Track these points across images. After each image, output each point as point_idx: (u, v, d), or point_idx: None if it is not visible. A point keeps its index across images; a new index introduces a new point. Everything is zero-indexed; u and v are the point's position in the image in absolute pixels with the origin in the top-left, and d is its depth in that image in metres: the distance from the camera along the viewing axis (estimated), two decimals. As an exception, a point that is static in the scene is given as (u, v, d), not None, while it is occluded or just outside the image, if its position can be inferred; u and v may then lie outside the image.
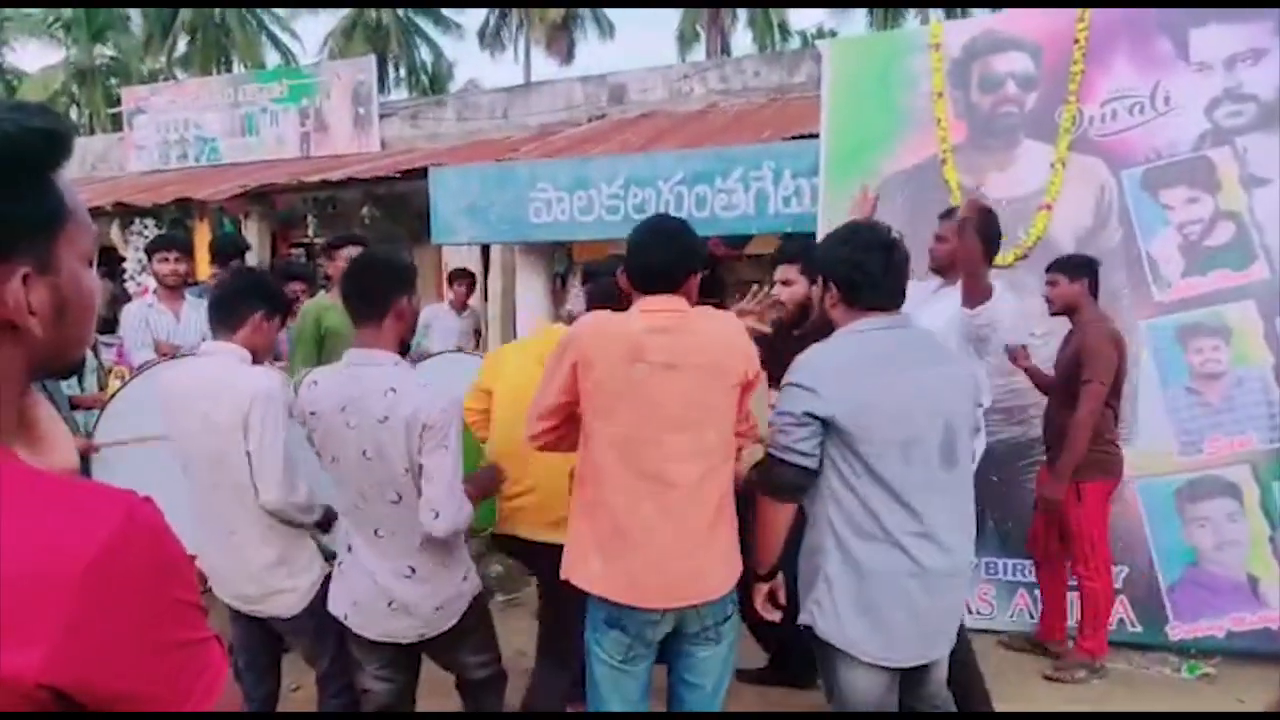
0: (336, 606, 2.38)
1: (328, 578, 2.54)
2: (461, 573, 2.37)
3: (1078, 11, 4.05)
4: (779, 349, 3.37)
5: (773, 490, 2.16)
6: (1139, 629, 3.85)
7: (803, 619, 2.18)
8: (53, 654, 0.65)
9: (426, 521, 2.19)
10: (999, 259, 4.07)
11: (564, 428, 2.18)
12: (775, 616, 2.29)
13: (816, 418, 2.06)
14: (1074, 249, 3.99)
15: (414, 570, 2.27)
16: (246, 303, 2.50)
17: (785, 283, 3.47)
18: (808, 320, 3.28)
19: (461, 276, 6.42)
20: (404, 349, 2.33)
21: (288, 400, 2.43)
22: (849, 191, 4.38)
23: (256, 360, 2.51)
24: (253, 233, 9.18)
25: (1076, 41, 4.00)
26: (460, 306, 6.38)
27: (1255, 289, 3.75)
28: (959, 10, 20.87)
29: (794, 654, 3.72)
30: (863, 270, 2.16)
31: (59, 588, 0.65)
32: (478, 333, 6.63)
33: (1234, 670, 3.65)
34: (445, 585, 2.32)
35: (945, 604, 2.14)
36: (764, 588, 2.27)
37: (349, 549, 2.35)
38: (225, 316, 2.50)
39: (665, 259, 2.15)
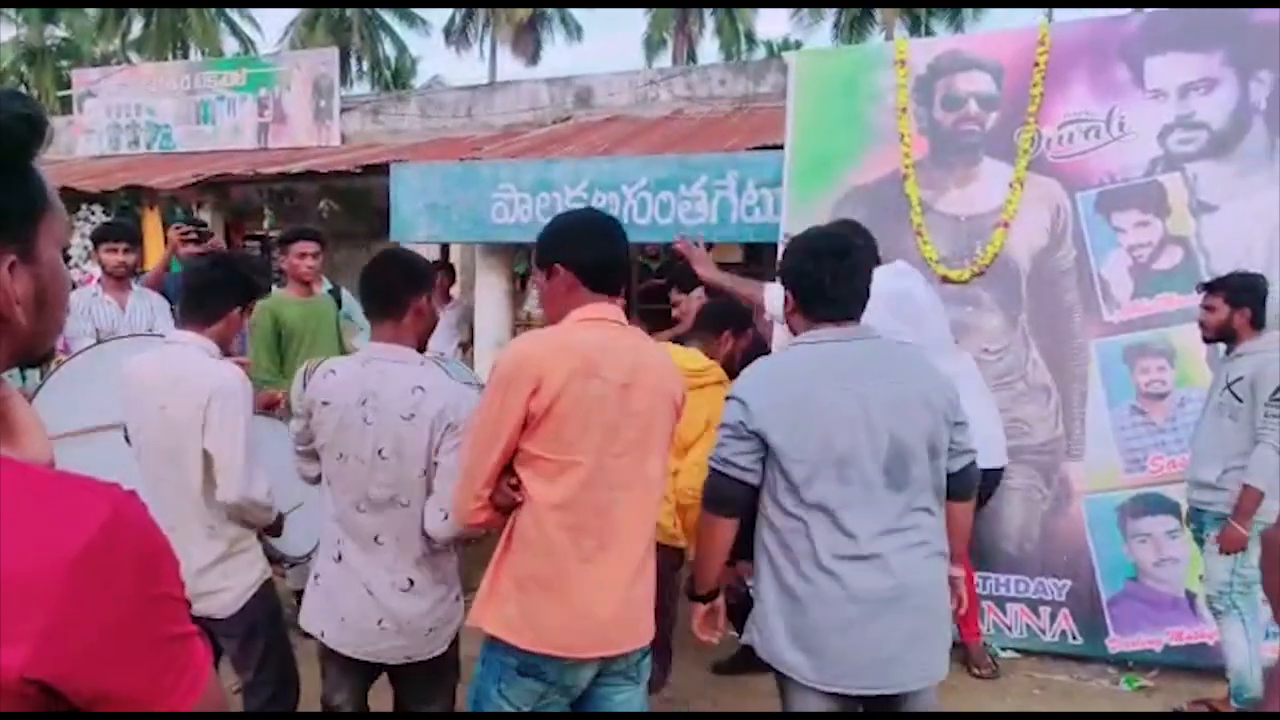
0: (313, 623, 2.26)
1: (267, 583, 2.47)
2: (455, 591, 2.30)
3: (1039, 34, 4.14)
4: None
5: (712, 504, 2.06)
6: (1080, 641, 3.93)
7: (745, 638, 2.11)
8: (38, 649, 0.64)
9: (434, 521, 2.12)
10: (956, 275, 4.16)
11: (502, 486, 1.87)
12: (714, 638, 2.19)
13: (750, 430, 1.97)
14: (1030, 267, 4.08)
15: (413, 583, 2.18)
16: (223, 296, 2.43)
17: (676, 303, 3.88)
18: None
19: (439, 269, 6.30)
20: (421, 347, 2.31)
21: (249, 395, 2.38)
22: (813, 203, 4.42)
23: (223, 350, 2.46)
24: (206, 222, 8.97)
25: (1036, 65, 4.08)
26: (444, 299, 6.26)
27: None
28: (924, 28, 21.26)
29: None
30: (811, 278, 2.07)
31: (44, 582, 0.64)
32: (472, 326, 6.52)
33: (1171, 683, 3.74)
34: (441, 603, 2.24)
35: (900, 631, 1.97)
36: (702, 608, 2.16)
37: (337, 558, 2.22)
38: (199, 308, 2.42)
39: (620, 256, 1.99)
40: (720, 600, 2.18)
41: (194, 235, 4.86)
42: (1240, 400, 3.30)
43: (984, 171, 4.20)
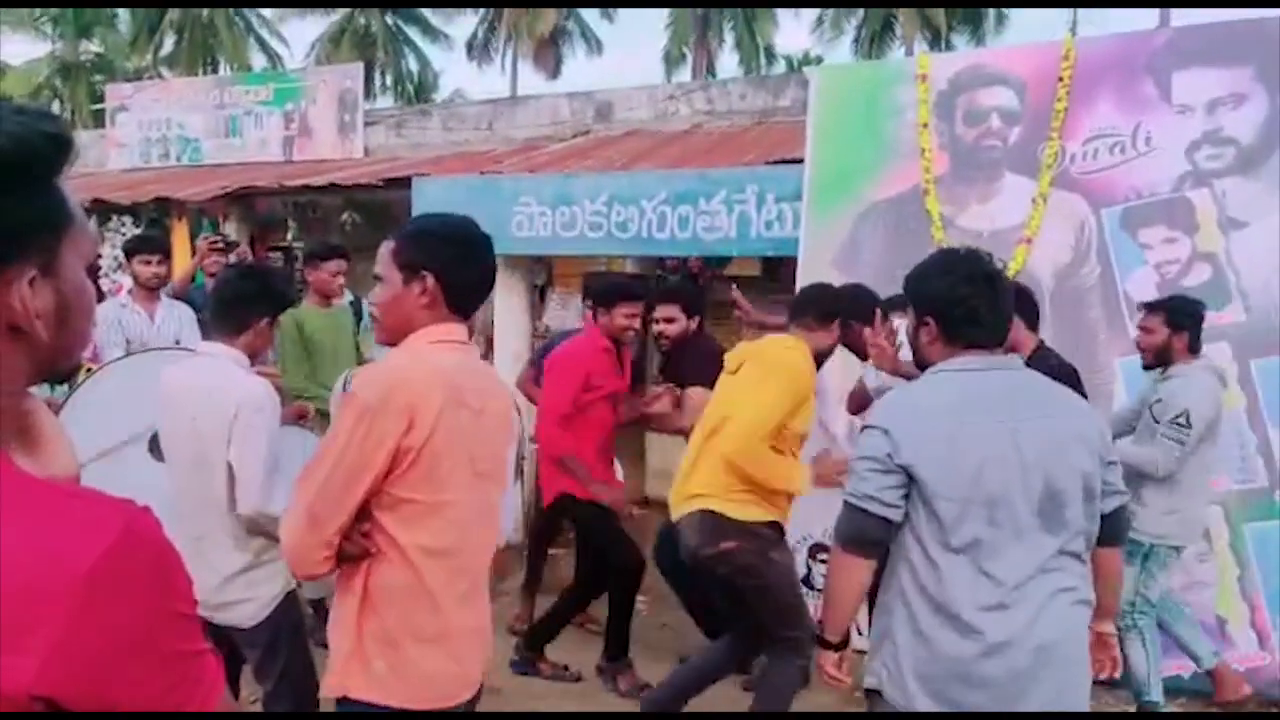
0: None
1: (290, 595, 2.49)
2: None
3: (1063, 49, 4.10)
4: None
5: (851, 543, 1.91)
6: (1107, 666, 3.85)
7: (868, 681, 1.97)
8: (47, 664, 0.64)
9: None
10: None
11: (353, 534, 1.65)
12: (845, 684, 2.05)
13: (898, 464, 1.84)
14: (1053, 284, 4.03)
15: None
16: (252, 307, 2.44)
17: (667, 320, 3.92)
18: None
19: None
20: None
21: (277, 408, 2.40)
22: (832, 217, 4.39)
23: (254, 361, 2.48)
24: (231, 234, 9.07)
25: (1061, 79, 4.04)
26: None
27: (1230, 331, 3.78)
28: (945, 42, 21.18)
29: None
30: (965, 304, 1.91)
31: (55, 598, 0.65)
32: (489, 340, 6.54)
33: (1200, 709, 3.65)
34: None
35: (1039, 688, 1.83)
36: (833, 656, 2.03)
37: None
38: (228, 319, 2.43)
39: (490, 276, 1.84)
40: (850, 647, 2.05)
41: (221, 245, 5.01)
42: (1157, 422, 3.33)
43: (1006, 187, 4.16)
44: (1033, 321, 3.23)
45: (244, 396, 2.32)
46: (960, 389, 1.90)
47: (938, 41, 21.48)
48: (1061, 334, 4.00)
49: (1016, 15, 23.11)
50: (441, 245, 1.73)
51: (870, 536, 1.89)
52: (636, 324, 3.78)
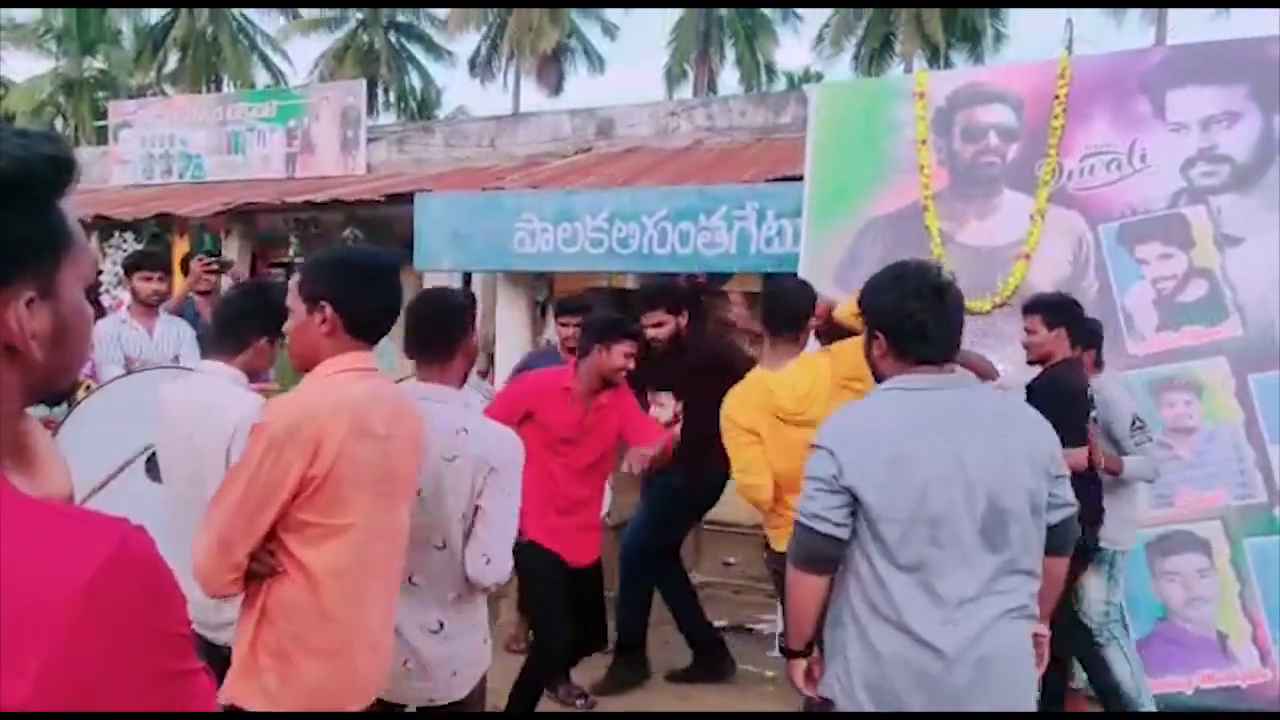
0: None
1: None
2: (482, 634, 2.30)
3: (1059, 67, 4.14)
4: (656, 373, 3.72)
5: (802, 561, 1.93)
6: (1108, 682, 3.84)
7: (824, 690, 2.00)
8: (40, 683, 0.64)
9: (476, 567, 2.12)
10: (977, 306, 4.13)
11: (261, 554, 1.75)
12: (815, 693, 2.07)
13: (843, 485, 1.85)
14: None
15: (442, 625, 2.18)
16: (252, 325, 2.44)
17: (657, 324, 3.89)
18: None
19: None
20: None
21: None
22: (832, 234, 4.42)
23: (253, 379, 2.47)
24: (233, 251, 9.09)
25: (1057, 97, 4.08)
26: None
27: (1227, 346, 3.80)
28: (943, 60, 21.32)
29: (719, 651, 4.10)
30: (913, 319, 1.90)
31: (49, 617, 0.65)
32: (490, 355, 6.56)
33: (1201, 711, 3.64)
34: (467, 647, 2.23)
35: (987, 700, 1.87)
36: (800, 664, 2.06)
37: None
38: (227, 337, 2.43)
39: (395, 308, 1.88)
40: (816, 654, 2.07)
41: (216, 266, 5.01)
42: (1115, 440, 3.45)
43: (1004, 203, 4.18)
44: (1078, 333, 3.35)
45: (242, 415, 2.27)
46: (907, 408, 1.90)
47: (936, 59, 21.62)
48: (1060, 349, 4.02)
49: (1015, 33, 23.32)
50: (339, 276, 1.82)
51: (820, 554, 1.91)
52: (632, 364, 3.44)
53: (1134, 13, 21.38)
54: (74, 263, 0.78)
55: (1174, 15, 20.17)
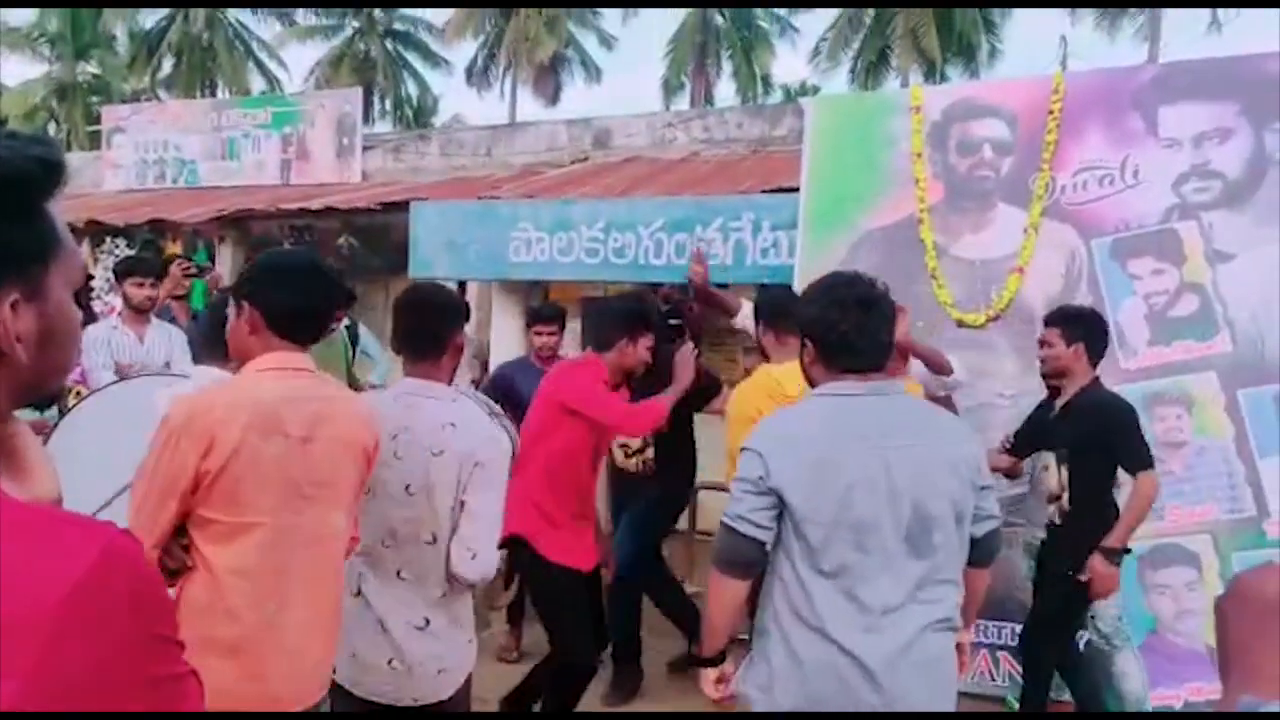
0: None
1: None
2: (468, 636, 2.28)
3: (1053, 83, 4.18)
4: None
5: (725, 563, 1.93)
6: (1100, 695, 3.85)
7: (741, 691, 2.00)
8: (25, 688, 0.63)
9: (461, 562, 2.11)
10: (971, 319, 4.16)
11: (173, 548, 1.75)
12: (723, 694, 2.08)
13: (769, 487, 1.87)
14: (1044, 313, 4.06)
15: (428, 622, 2.17)
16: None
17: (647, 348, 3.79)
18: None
19: None
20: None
21: None
22: (828, 245, 4.44)
23: None
24: (226, 257, 9.08)
25: (1051, 112, 4.11)
26: None
27: (1217, 361, 3.83)
28: (939, 74, 21.46)
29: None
30: (836, 329, 1.95)
31: (34, 619, 0.64)
32: (485, 363, 6.56)
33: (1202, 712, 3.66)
34: (453, 646, 2.22)
35: (908, 706, 1.88)
36: (712, 673, 2.06)
37: (356, 593, 2.21)
38: (219, 342, 2.38)
39: (316, 306, 1.87)
40: (728, 665, 2.07)
41: (194, 270, 5.05)
42: None
43: (999, 217, 4.21)
44: (1096, 350, 3.36)
45: None
46: (833, 413, 1.93)
47: (932, 73, 21.76)
48: (1053, 362, 4.04)
49: (1010, 48, 23.46)
50: (260, 275, 1.88)
51: (741, 556, 1.91)
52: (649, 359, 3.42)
53: (1127, 29, 21.57)
54: (62, 266, 0.78)
55: (1167, 32, 20.40)
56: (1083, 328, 3.38)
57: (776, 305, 3.29)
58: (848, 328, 1.95)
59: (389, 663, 2.16)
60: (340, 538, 1.89)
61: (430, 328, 2.25)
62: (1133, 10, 21.14)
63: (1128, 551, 3.30)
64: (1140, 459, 3.20)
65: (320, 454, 1.81)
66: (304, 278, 1.87)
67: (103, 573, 0.67)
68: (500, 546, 3.14)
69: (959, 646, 2.05)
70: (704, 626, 2.04)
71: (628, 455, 4.51)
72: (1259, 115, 3.81)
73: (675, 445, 4.18)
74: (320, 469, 1.82)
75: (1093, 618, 3.51)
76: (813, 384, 2.07)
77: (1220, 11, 19.96)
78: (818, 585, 1.86)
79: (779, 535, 1.91)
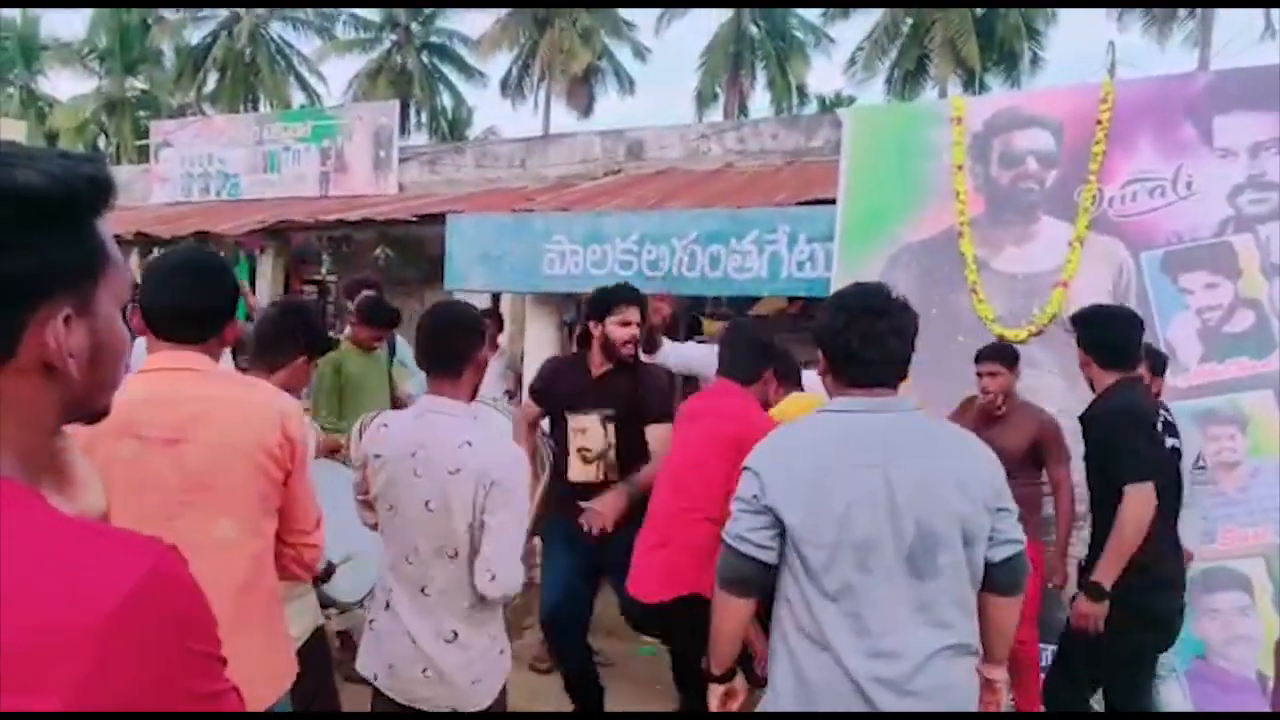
0: (368, 667, 2.29)
1: (318, 633, 2.48)
2: (500, 645, 2.28)
3: (1101, 92, 4.07)
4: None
5: (726, 583, 1.90)
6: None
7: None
8: (69, 704, 0.64)
9: (482, 582, 2.12)
10: (1013, 334, 4.05)
11: None
12: (726, 707, 2.03)
13: (765, 505, 1.81)
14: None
15: (456, 635, 2.18)
16: (292, 342, 2.44)
17: (624, 324, 3.43)
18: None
19: (488, 317, 6.33)
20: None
21: (312, 442, 2.42)
22: (865, 258, 4.37)
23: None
24: (267, 268, 9.22)
25: (1099, 122, 4.01)
26: (492, 347, 6.29)
27: (1274, 379, 3.69)
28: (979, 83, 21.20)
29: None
30: (839, 338, 1.87)
31: (80, 634, 0.65)
32: (518, 375, 6.56)
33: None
34: (483, 656, 2.22)
35: None
36: (719, 689, 2.02)
37: (386, 606, 2.24)
38: (266, 353, 2.44)
39: (188, 306, 1.80)
40: (738, 681, 2.04)
41: None
42: None
43: (1042, 230, 4.11)
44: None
45: None
46: (835, 430, 1.87)
47: (971, 82, 21.50)
48: (1100, 379, 3.93)
49: (1053, 56, 23.14)
50: (143, 277, 1.87)
51: (742, 576, 1.87)
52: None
53: (1177, 35, 21.14)
54: (110, 282, 0.79)
55: (1218, 38, 19.97)
56: (1085, 329, 3.05)
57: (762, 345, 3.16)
58: (852, 336, 1.86)
59: (423, 672, 2.17)
60: (234, 546, 1.76)
61: (450, 345, 2.25)
62: (1183, 14, 20.69)
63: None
64: (1127, 469, 2.77)
65: (195, 456, 1.72)
66: (175, 276, 1.83)
67: (150, 588, 0.68)
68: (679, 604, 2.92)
69: (989, 684, 1.95)
70: (710, 644, 2.00)
71: (587, 461, 3.58)
72: (1318, 124, 3.68)
73: (637, 447, 3.59)
74: (194, 473, 1.72)
75: None
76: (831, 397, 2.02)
77: (1275, 17, 19.49)
78: (823, 607, 1.81)
79: (783, 555, 1.86)
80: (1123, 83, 4.36)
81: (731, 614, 1.92)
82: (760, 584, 1.89)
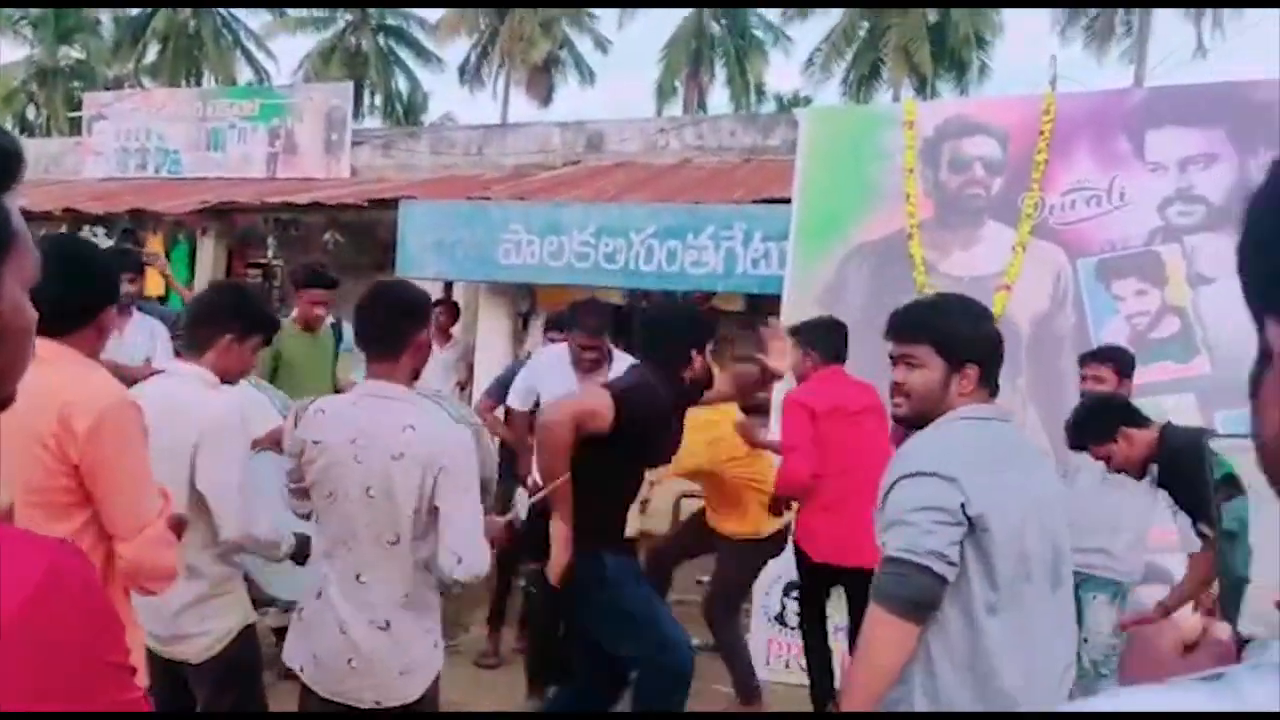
0: (294, 657, 2.25)
1: (248, 629, 2.39)
2: (434, 639, 2.25)
3: (1044, 103, 4.23)
4: None
5: (912, 608, 1.66)
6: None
7: None
8: None
9: (448, 566, 2.10)
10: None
11: None
12: None
13: (969, 515, 1.67)
14: (1030, 331, 4.11)
15: (389, 624, 2.14)
16: (222, 323, 2.36)
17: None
18: None
19: (441, 305, 6.27)
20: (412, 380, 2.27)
21: (247, 428, 2.33)
22: (819, 257, 4.47)
23: (228, 382, 2.38)
24: (208, 250, 9.00)
25: (1042, 132, 4.17)
26: (445, 337, 6.23)
27: (1196, 383, 3.88)
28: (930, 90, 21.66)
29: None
30: (1000, 350, 1.83)
31: None
32: (470, 366, 6.51)
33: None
34: (414, 647, 2.18)
35: None
36: None
37: (318, 595, 2.20)
38: (194, 335, 2.37)
39: (53, 292, 1.68)
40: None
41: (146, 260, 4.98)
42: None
43: (988, 234, 4.26)
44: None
45: (211, 417, 2.23)
46: (992, 437, 1.83)
47: (923, 87, 21.96)
48: (1036, 381, 4.09)
49: (1000, 64, 23.69)
50: None
51: (932, 599, 1.67)
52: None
53: (1114, 51, 21.85)
54: (16, 263, 0.74)
55: (1153, 56, 20.65)
56: (1128, 362, 3.37)
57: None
58: (1001, 345, 1.85)
59: (349, 662, 2.14)
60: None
61: (388, 326, 2.21)
62: (1120, 31, 21.42)
63: None
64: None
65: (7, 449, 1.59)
66: (50, 266, 1.74)
67: (50, 592, 0.64)
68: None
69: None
70: (862, 678, 1.73)
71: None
72: (1244, 142, 3.87)
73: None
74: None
75: (1084, 641, 3.51)
76: (928, 415, 1.85)
77: (1206, 37, 20.27)
78: (990, 624, 1.69)
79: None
80: (1064, 95, 4.53)
81: (909, 644, 1.68)
82: (940, 605, 1.70)
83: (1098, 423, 3.05)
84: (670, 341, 2.92)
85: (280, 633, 3.67)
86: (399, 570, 2.14)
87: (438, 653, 2.27)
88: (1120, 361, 3.46)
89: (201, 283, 8.14)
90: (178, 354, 2.63)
